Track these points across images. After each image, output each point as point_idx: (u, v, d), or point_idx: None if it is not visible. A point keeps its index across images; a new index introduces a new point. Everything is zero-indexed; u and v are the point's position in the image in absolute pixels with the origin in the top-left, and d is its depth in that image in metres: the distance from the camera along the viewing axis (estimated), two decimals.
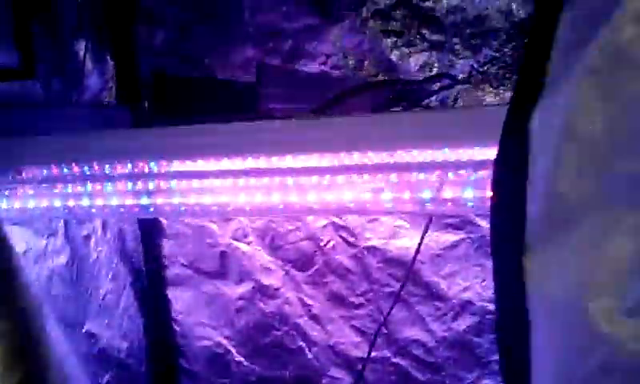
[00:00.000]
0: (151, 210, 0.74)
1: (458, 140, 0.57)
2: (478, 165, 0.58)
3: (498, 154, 0.48)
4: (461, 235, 1.22)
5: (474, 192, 0.58)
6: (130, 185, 0.71)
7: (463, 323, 1.27)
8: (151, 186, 0.71)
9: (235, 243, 1.43)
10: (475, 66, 1.14)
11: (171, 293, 1.53)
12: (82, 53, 1.44)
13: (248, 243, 1.41)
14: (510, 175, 0.47)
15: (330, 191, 0.64)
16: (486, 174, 0.56)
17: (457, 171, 0.59)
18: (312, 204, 0.66)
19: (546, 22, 0.43)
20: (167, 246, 1.48)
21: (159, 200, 0.73)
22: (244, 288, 1.45)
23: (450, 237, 1.23)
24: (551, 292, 0.45)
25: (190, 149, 0.64)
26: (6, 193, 0.83)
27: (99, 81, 1.44)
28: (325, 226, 1.31)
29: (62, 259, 1.52)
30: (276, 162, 0.64)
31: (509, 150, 0.48)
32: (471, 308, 1.25)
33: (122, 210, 0.74)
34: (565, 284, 0.44)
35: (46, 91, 1.41)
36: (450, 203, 0.57)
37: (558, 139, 0.43)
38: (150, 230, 1.46)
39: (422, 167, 0.60)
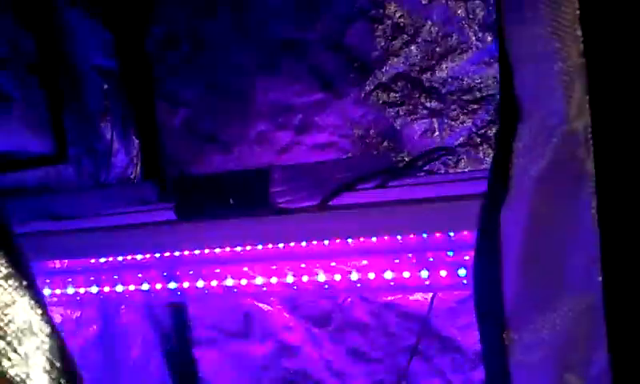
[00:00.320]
0: (178, 293, 0.82)
1: (451, 227, 0.64)
2: (471, 246, 0.65)
3: (476, 243, 0.55)
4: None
5: (467, 271, 0.65)
6: (158, 272, 0.79)
7: (480, 373, 1.31)
8: (178, 272, 0.79)
9: (258, 304, 1.50)
10: (474, 129, 1.21)
11: (199, 354, 1.60)
12: (109, 134, 1.56)
13: (269, 303, 1.48)
14: (486, 262, 0.54)
15: (339, 273, 0.71)
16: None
17: (447, 252, 0.66)
18: (322, 284, 0.73)
19: (507, 133, 0.51)
20: (193, 308, 1.56)
21: (185, 284, 0.81)
22: (268, 347, 1.51)
23: (464, 291, 1.28)
24: (530, 362, 0.52)
25: (214, 240, 0.73)
26: (47, 281, 0.92)
27: (125, 158, 1.55)
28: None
29: (95, 328, 1.61)
30: (287, 248, 0.71)
31: (484, 240, 0.55)
32: None
33: (152, 294, 0.82)
34: (542, 356, 0.51)
35: (78, 173, 1.53)
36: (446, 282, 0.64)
37: (523, 232, 0.50)
38: None
39: (420, 249, 0.67)
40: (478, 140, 1.21)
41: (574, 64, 0.41)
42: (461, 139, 1.23)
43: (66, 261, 0.88)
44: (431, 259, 0.67)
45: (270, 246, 0.73)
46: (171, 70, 1.44)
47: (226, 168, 1.40)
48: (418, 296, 1.31)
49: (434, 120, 1.23)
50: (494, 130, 1.21)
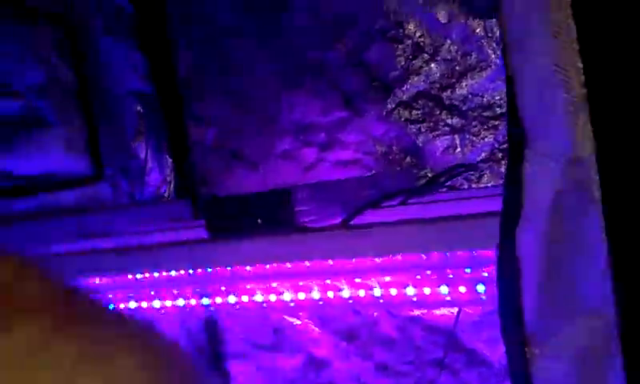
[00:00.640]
0: (212, 308, 0.86)
1: (474, 244, 0.67)
2: (489, 262, 0.68)
3: (496, 265, 0.58)
4: None
5: (485, 287, 0.67)
6: (192, 289, 0.84)
7: None
8: (210, 289, 0.83)
9: (287, 318, 1.53)
10: (496, 145, 1.23)
11: (231, 367, 1.64)
12: (143, 153, 1.63)
13: (299, 317, 1.51)
14: (506, 281, 0.57)
15: (363, 288, 0.74)
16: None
17: (465, 269, 0.68)
18: (346, 299, 0.77)
19: (515, 160, 0.54)
20: (225, 322, 1.60)
21: (218, 300, 0.85)
22: (297, 360, 1.54)
23: (487, 305, 1.29)
24: (552, 377, 0.54)
25: (244, 258, 0.77)
26: None
27: (159, 177, 1.62)
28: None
29: None
30: (313, 265, 0.75)
31: (503, 260, 0.57)
32: None
33: (187, 309, 0.87)
34: (563, 371, 0.53)
35: (114, 192, 1.60)
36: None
37: (537, 253, 0.53)
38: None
39: (439, 266, 0.70)
40: (500, 155, 1.23)
41: (578, 94, 0.44)
42: (483, 155, 1.25)
43: (104, 277, 0.93)
44: (451, 276, 0.70)
45: (297, 263, 0.77)
46: (200, 91, 1.49)
47: (253, 185, 1.45)
48: (445, 310, 1.33)
49: (456, 136, 1.26)
50: None
